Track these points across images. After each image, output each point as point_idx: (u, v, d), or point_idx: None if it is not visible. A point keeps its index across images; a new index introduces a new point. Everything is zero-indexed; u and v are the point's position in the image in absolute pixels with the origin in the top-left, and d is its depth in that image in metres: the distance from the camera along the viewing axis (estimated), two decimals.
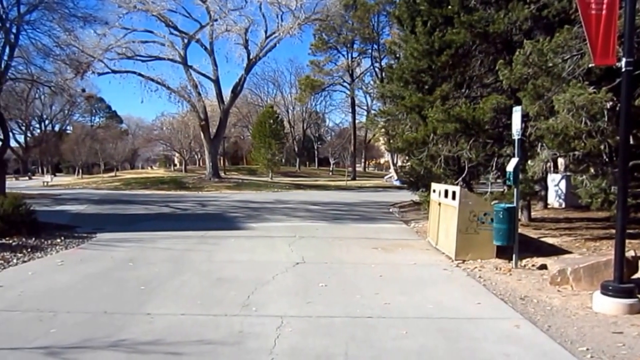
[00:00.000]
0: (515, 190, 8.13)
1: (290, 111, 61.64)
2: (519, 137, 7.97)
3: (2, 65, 19.51)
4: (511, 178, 7.96)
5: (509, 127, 8.99)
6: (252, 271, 7.64)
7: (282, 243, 10.31)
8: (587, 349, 4.52)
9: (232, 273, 7.54)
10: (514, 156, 8.19)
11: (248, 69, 34.94)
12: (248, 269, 7.77)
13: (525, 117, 8.36)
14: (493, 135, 10.75)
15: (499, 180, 11.96)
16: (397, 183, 34.13)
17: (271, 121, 42.54)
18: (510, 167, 8.00)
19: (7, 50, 19.76)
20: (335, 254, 9.30)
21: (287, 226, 13.18)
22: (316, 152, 66.98)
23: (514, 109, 8.16)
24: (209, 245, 10.01)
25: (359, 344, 4.67)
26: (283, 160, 50.80)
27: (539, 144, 9.08)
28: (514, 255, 7.98)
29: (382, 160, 73.97)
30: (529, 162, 9.15)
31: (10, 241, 9.81)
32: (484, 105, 10.09)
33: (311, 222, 14.34)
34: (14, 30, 19.77)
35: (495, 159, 10.78)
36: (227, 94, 36.76)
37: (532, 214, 13.43)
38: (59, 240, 10.30)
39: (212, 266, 8.07)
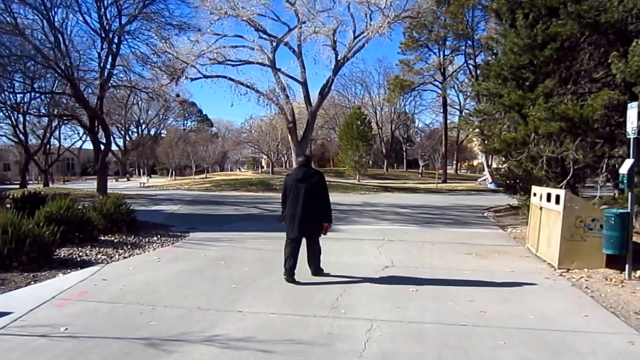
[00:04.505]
0: (629, 194, 7.42)
1: (378, 112, 60.94)
2: (635, 136, 7.23)
3: (105, 74, 21.09)
4: (625, 181, 7.24)
5: (621, 125, 8.25)
6: (340, 273, 7.55)
7: (371, 246, 10.14)
8: None
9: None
10: (628, 157, 7.46)
11: (336, 71, 34.90)
12: (336, 271, 7.67)
13: None
14: (603, 135, 9.88)
15: (608, 184, 11.03)
16: (492, 186, 32.76)
17: (358, 123, 42.17)
18: (623, 169, 7.29)
19: (109, 59, 21.33)
20: (426, 258, 8.99)
21: (376, 229, 12.97)
22: (405, 154, 65.81)
23: (629, 105, 7.43)
24: None
25: (453, 353, 4.43)
26: (370, 162, 50.30)
27: None
28: (626, 266, 7.27)
29: (475, 162, 71.50)
30: None
31: (112, 238, 10.46)
32: (594, 101, 9.29)
33: (400, 225, 14.02)
34: (115, 41, 21.31)
35: (606, 160, 9.92)
36: (314, 96, 36.90)
37: None
38: (155, 238, 10.81)
39: (301, 267, 8.05)
